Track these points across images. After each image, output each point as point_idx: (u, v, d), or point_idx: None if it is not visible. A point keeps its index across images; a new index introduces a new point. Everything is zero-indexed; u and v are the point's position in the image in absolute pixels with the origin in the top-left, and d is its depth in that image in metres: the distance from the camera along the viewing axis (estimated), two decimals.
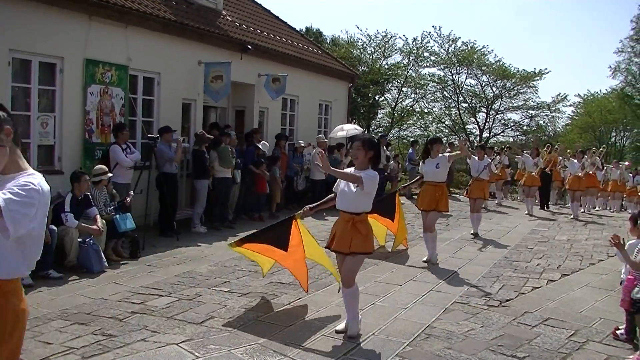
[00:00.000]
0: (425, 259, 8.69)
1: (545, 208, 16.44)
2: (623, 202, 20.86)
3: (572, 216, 14.65)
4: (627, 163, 21.86)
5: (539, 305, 6.67)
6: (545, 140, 30.74)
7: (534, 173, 15.44)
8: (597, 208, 18.21)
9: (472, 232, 11.26)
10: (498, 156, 17.04)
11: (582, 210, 15.99)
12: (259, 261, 6.80)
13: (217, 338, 5.26)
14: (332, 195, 5.74)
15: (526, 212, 15.14)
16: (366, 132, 25.95)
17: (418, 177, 10.87)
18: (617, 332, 5.61)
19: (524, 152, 17.97)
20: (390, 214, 9.03)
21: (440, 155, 8.74)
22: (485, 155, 12.90)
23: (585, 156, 16.00)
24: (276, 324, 5.69)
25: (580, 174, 14.89)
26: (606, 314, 6.35)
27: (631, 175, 21.20)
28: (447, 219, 13.07)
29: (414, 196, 18.26)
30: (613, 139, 43.51)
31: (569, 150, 17.80)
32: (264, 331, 5.46)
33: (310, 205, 6.03)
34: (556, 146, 17.12)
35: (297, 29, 20.23)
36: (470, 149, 16.07)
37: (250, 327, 5.60)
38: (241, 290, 6.90)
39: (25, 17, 8.56)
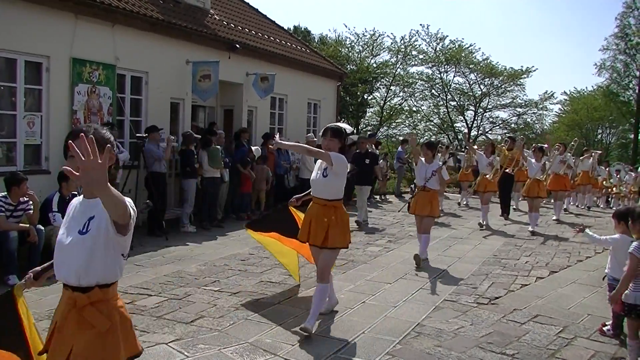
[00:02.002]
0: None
1: (505, 216, 13.84)
2: (609, 199, 19.97)
3: (530, 227, 11.77)
4: (599, 152, 19.17)
5: (528, 302, 6.71)
6: (533, 139, 30.95)
7: (488, 176, 12.53)
8: (571, 204, 16.20)
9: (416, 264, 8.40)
10: (450, 157, 15.51)
11: (556, 217, 13.56)
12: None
13: (206, 337, 5.24)
14: None
15: (480, 221, 12.40)
16: (355, 130, 25.92)
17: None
18: (604, 328, 5.66)
19: (478, 148, 15.28)
20: (294, 232, 6.35)
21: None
22: (439, 155, 11.85)
23: (547, 155, 13.12)
24: (266, 323, 5.68)
25: (540, 177, 11.91)
26: (594, 310, 6.41)
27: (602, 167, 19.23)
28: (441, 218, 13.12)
29: (402, 194, 18.35)
30: (599, 136, 43.88)
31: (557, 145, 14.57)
32: (254, 330, 5.46)
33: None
34: (517, 139, 14.39)
35: (285, 27, 20.19)
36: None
37: (240, 326, 5.59)
38: (231, 289, 6.88)
39: (10, 15, 8.49)
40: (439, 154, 12.75)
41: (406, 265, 8.40)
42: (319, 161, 5.64)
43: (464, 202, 16.33)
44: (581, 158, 16.47)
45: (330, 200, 5.52)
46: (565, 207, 15.27)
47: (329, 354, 4.94)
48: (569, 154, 14.06)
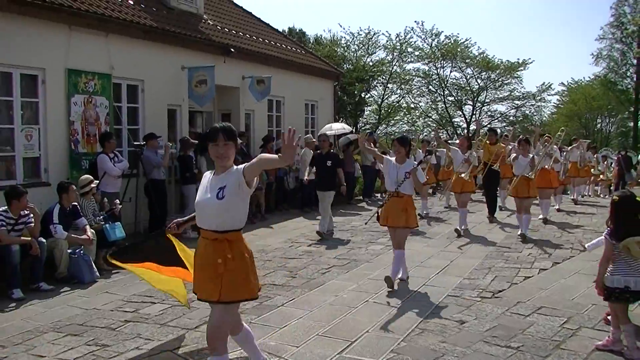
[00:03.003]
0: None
1: (490, 217, 12.23)
2: (597, 188, 18.93)
3: (520, 230, 10.16)
4: (587, 141, 18.16)
5: (531, 294, 6.70)
6: (531, 130, 30.91)
7: (463, 175, 10.81)
8: (556, 206, 13.88)
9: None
10: (429, 155, 13.41)
11: (542, 216, 12.01)
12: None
13: None
14: None
15: (457, 226, 10.67)
16: (354, 129, 25.91)
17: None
18: (609, 317, 5.64)
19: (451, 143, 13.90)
20: (175, 262, 5.32)
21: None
22: (418, 155, 11.39)
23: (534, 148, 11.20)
24: (270, 326, 5.68)
25: (529, 174, 10.14)
26: (598, 300, 6.32)
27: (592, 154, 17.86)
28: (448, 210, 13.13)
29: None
30: (599, 126, 43.86)
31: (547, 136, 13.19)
32: (258, 333, 5.44)
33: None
34: (505, 134, 13.31)
35: (280, 29, 20.22)
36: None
37: None
38: None
39: (4, 29, 8.51)
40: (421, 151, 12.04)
41: (408, 263, 8.39)
42: (208, 175, 4.11)
43: (446, 204, 14.66)
44: (569, 148, 14.90)
45: (223, 232, 3.90)
46: (557, 206, 13.76)
47: (334, 354, 4.94)
48: (555, 145, 12.35)
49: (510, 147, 12.10)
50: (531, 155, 10.24)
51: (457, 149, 11.37)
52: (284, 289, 7.06)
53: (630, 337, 4.89)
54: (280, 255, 9.04)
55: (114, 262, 5.38)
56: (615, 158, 19.59)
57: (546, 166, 11.67)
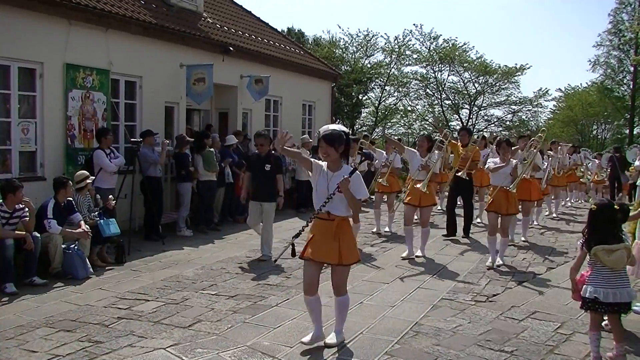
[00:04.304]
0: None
1: (465, 234, 10.49)
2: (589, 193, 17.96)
3: (496, 260, 8.25)
4: (568, 144, 16.76)
5: (526, 299, 6.72)
6: (528, 136, 30.92)
7: (419, 185, 8.66)
8: (536, 223, 12.11)
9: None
10: (364, 160, 9.92)
11: (523, 238, 10.15)
12: None
13: (205, 341, 5.23)
14: None
15: (409, 252, 8.82)
16: (351, 131, 25.92)
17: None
18: (602, 323, 5.65)
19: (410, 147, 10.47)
20: None
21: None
22: (380, 156, 10.47)
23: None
24: (264, 326, 5.67)
25: (509, 187, 8.19)
26: None
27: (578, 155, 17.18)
28: (433, 217, 13.01)
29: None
30: (594, 132, 43.99)
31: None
32: (252, 333, 5.45)
33: None
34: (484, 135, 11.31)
35: (279, 29, 20.20)
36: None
37: (238, 329, 5.58)
38: (228, 292, 6.87)
39: (2, 22, 8.46)
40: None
41: (403, 265, 8.40)
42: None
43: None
44: (551, 154, 12.94)
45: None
46: (535, 222, 12.03)
47: (328, 355, 4.93)
48: (535, 149, 9.63)
49: (488, 150, 10.76)
50: (514, 162, 8.33)
51: (414, 151, 9.11)
52: (278, 289, 7.05)
53: (592, 344, 4.90)
54: (274, 255, 9.02)
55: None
56: (597, 162, 18.28)
57: (526, 176, 9.57)
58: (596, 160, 18.54)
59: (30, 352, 4.95)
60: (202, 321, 5.81)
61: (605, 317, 5.60)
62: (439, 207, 13.50)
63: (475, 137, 12.21)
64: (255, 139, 9.21)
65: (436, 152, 9.26)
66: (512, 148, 8.95)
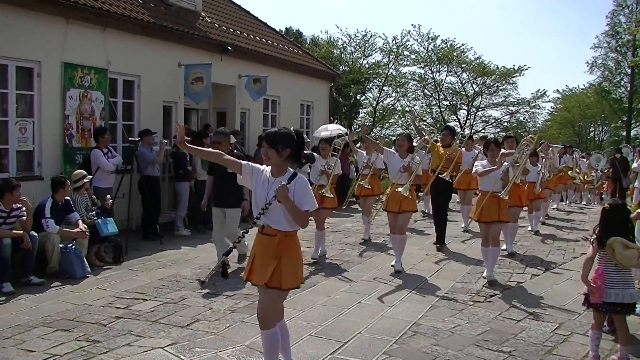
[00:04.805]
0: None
1: (439, 245, 9.57)
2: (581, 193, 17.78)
3: (485, 273, 7.57)
4: (559, 146, 16.20)
5: (524, 299, 6.72)
6: (514, 137, 30.92)
7: (401, 189, 7.72)
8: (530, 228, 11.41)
9: None
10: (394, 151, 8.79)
11: (507, 252, 9.08)
12: None
13: (203, 341, 5.22)
14: None
15: (393, 263, 8.12)
16: (348, 131, 25.86)
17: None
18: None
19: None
20: None
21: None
22: (361, 157, 9.80)
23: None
24: None
25: (501, 193, 7.35)
26: None
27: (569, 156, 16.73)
28: (416, 222, 12.55)
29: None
30: (592, 134, 44.08)
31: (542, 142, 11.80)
32: (250, 333, 5.43)
33: None
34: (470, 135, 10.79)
35: (277, 29, 20.19)
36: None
37: (236, 329, 5.57)
38: (226, 292, 6.86)
39: (0, 21, 8.44)
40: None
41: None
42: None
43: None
44: (542, 155, 11.69)
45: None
46: (529, 227, 11.38)
47: (326, 354, 4.93)
48: (525, 152, 8.19)
49: (476, 152, 10.19)
50: (505, 165, 7.57)
51: (393, 151, 8.21)
52: None
53: (592, 342, 4.92)
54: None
55: None
56: (587, 162, 18.14)
57: (517, 182, 8.62)
58: (585, 160, 18.39)
59: (28, 351, 4.94)
60: (200, 320, 5.80)
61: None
62: (425, 210, 13.05)
63: (462, 137, 11.58)
64: (213, 137, 8.33)
65: (422, 151, 8.86)
66: (502, 150, 8.15)
